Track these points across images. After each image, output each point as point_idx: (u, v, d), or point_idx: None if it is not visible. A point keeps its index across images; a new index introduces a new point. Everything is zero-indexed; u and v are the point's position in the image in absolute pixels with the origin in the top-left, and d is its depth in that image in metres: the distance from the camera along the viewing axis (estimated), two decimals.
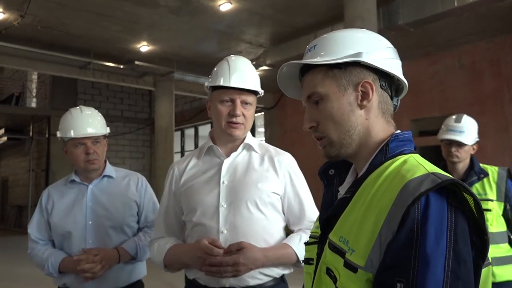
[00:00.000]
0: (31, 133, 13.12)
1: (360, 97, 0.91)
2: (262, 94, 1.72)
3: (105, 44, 7.70)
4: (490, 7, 5.52)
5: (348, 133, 0.91)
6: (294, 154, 1.77)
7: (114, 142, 12.91)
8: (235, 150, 1.70)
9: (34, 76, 13.65)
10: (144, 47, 7.81)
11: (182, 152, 13.29)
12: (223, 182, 1.64)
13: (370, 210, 0.80)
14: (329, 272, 0.86)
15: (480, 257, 0.78)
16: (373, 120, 0.92)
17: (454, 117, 2.65)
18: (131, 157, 13.73)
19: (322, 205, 1.02)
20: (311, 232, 1.09)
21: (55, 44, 7.56)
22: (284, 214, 1.69)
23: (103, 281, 2.03)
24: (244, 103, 1.65)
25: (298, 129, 9.22)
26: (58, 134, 2.09)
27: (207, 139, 1.76)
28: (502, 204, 2.50)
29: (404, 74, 0.97)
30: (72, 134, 2.04)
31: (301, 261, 1.40)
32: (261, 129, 11.42)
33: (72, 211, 2.10)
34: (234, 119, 1.63)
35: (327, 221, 0.93)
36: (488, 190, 2.52)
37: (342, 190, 0.96)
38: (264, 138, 10.83)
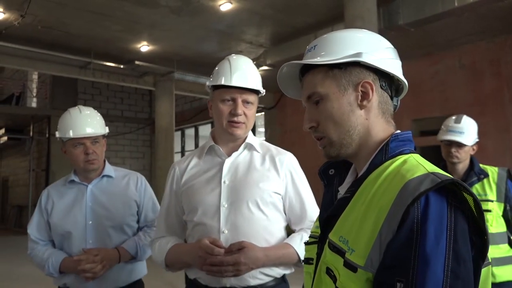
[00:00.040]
0: (31, 133, 13.14)
1: (360, 97, 0.91)
2: (264, 93, 1.72)
3: (105, 44, 7.71)
4: (491, 7, 5.52)
5: (348, 133, 0.91)
6: (294, 154, 1.77)
7: (114, 142, 12.92)
8: (237, 149, 1.69)
9: (35, 76, 13.66)
10: (144, 47, 7.81)
11: (183, 152, 13.29)
12: (224, 182, 1.64)
13: (370, 210, 0.80)
14: (329, 271, 0.86)
15: (480, 257, 0.78)
16: (373, 120, 0.92)
17: (454, 117, 2.65)
18: (131, 157, 13.73)
19: (322, 205, 1.02)
20: (311, 232, 1.09)
21: (56, 44, 7.56)
22: (285, 213, 1.69)
23: (104, 280, 2.03)
24: (246, 102, 1.64)
25: (298, 129, 9.22)
26: (57, 134, 2.09)
27: (209, 138, 1.76)
28: (502, 205, 2.50)
29: (404, 74, 0.97)
30: (71, 134, 2.04)
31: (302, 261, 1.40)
32: (261, 129, 11.43)
33: (72, 211, 2.10)
34: (235, 118, 1.62)
35: (327, 221, 0.93)
36: (488, 191, 2.52)
37: (342, 190, 0.96)
38: (264, 138, 10.83)
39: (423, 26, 5.91)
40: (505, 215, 2.51)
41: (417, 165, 0.82)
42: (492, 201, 2.49)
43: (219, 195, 1.62)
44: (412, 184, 0.76)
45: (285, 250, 1.60)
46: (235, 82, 1.61)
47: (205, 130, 12.53)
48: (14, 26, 6.58)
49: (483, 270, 0.79)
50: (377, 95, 0.92)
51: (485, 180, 2.54)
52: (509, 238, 2.52)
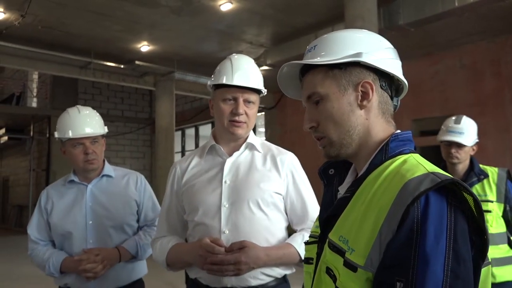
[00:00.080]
0: (31, 133, 13.13)
1: (360, 97, 0.91)
2: (265, 93, 1.71)
3: (105, 44, 7.71)
4: (491, 7, 5.52)
5: (348, 133, 0.92)
6: (295, 154, 1.77)
7: (114, 142, 12.92)
8: (238, 149, 1.69)
9: (35, 76, 13.65)
10: (144, 47, 7.81)
11: (183, 152, 13.29)
12: (225, 182, 1.63)
13: (370, 209, 0.80)
14: (328, 271, 0.86)
15: (479, 257, 0.78)
16: (373, 120, 0.92)
17: (453, 118, 2.65)
18: (131, 157, 13.73)
19: (322, 205, 1.02)
20: (311, 232, 1.09)
21: (56, 44, 7.57)
22: (286, 214, 1.68)
23: (104, 280, 2.03)
24: (247, 101, 1.64)
25: (299, 129, 9.22)
26: (56, 134, 2.09)
27: (210, 138, 1.75)
28: (502, 205, 2.50)
29: (404, 74, 0.97)
30: (70, 134, 2.04)
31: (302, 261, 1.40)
32: (261, 129, 11.43)
33: (72, 211, 2.10)
34: (236, 118, 1.62)
35: (327, 220, 0.93)
36: (488, 191, 2.52)
37: (342, 189, 0.96)
38: (264, 138, 10.83)
39: (423, 26, 5.91)
40: (505, 216, 2.51)
41: (417, 165, 0.83)
42: (492, 201, 2.50)
43: (220, 195, 1.61)
44: (412, 183, 0.77)
45: (286, 250, 1.59)
46: (237, 81, 1.61)
47: (206, 130, 12.53)
48: (14, 26, 6.58)
49: (483, 270, 0.79)
50: (377, 95, 0.93)
51: (485, 181, 2.54)
52: (509, 238, 2.52)
